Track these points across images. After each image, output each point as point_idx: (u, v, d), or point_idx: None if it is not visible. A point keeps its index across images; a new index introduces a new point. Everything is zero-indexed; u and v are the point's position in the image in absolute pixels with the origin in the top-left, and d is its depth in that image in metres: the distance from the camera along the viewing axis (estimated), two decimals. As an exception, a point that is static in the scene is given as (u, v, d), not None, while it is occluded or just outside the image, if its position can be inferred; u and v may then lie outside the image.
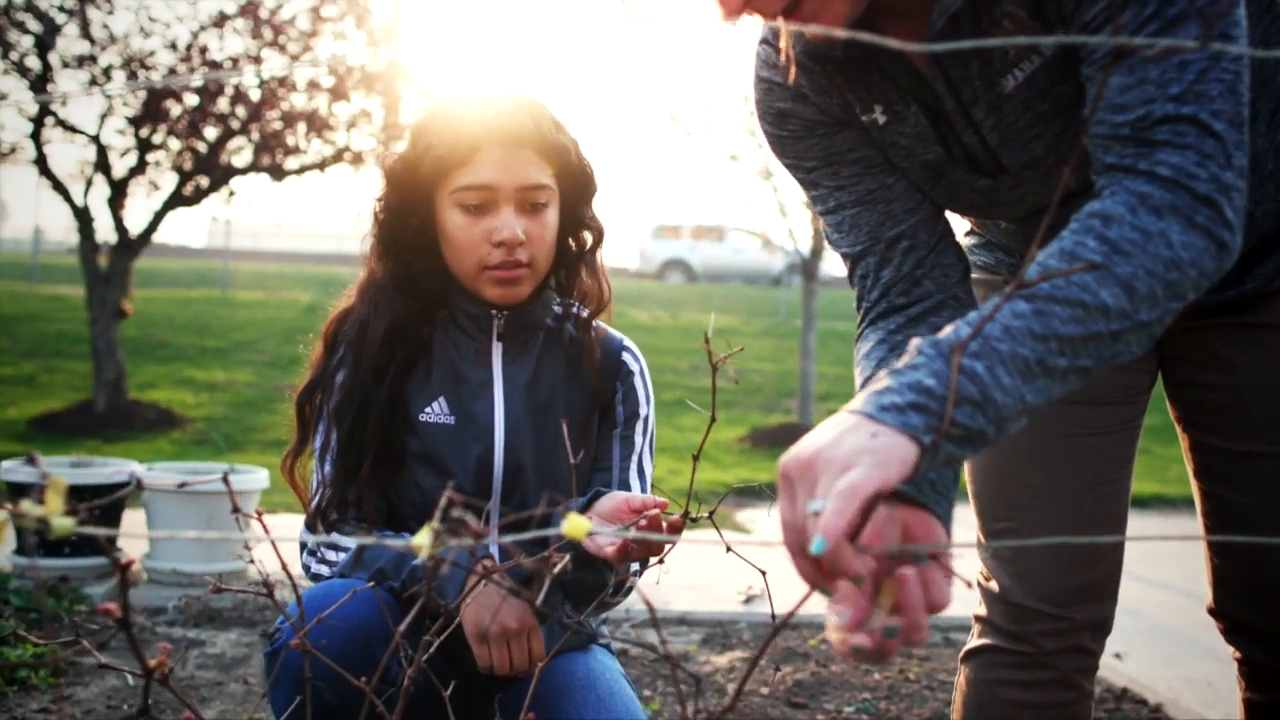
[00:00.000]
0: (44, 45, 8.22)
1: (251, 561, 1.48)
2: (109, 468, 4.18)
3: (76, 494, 3.96)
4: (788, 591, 4.18)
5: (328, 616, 1.67)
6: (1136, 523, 6.44)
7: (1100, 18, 1.21)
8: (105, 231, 8.92)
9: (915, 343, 1.08)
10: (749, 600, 4.44)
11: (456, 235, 1.86)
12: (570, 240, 1.99)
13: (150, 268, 18.06)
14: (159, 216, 8.87)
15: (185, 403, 9.81)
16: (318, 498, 1.91)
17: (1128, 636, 3.89)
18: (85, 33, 8.36)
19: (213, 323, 14.24)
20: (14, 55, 8.30)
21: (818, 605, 3.70)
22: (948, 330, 1.09)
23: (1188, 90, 1.14)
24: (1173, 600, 4.84)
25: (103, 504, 0.83)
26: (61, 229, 7.88)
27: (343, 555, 1.87)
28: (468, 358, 1.93)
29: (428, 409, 1.91)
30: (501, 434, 1.91)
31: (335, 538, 1.88)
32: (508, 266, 1.85)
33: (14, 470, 4.02)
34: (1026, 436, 1.70)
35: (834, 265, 19.01)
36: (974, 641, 1.80)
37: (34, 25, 8.24)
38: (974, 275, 1.80)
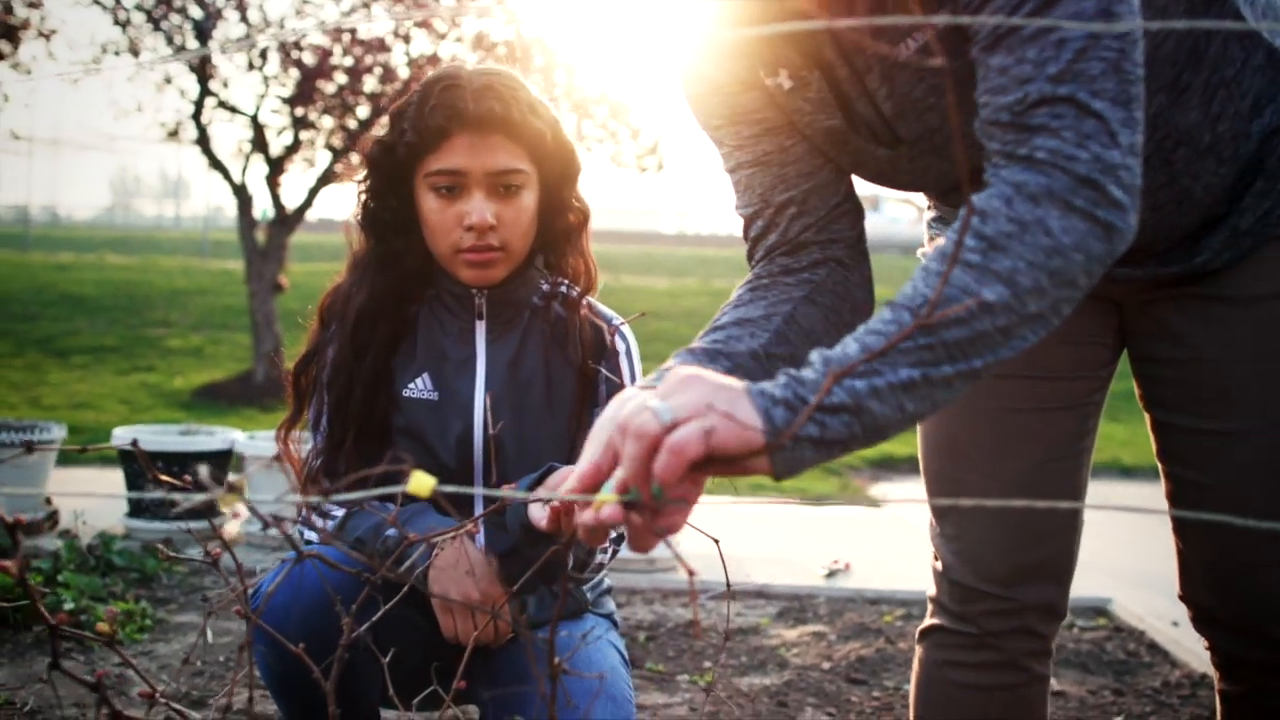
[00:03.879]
0: (203, 30, 8.58)
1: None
2: (214, 436, 4.40)
3: (181, 460, 4.18)
4: (869, 567, 4.20)
5: (274, 586, 1.77)
6: None
7: None
8: (263, 208, 9.30)
9: (813, 355, 1.09)
10: (831, 574, 4.42)
11: (431, 219, 1.91)
12: (556, 221, 2.01)
13: (312, 242, 18.66)
14: (313, 193, 9.19)
15: (339, 373, 10.14)
16: (309, 466, 2.00)
17: (1219, 621, 3.73)
18: (243, 17, 8.70)
19: (375, 295, 14.65)
20: (176, 40, 8.70)
21: (895, 582, 3.64)
22: (839, 349, 1.09)
23: (1065, 70, 1.11)
24: None
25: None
26: (235, 206, 8.31)
27: (330, 522, 1.95)
28: (451, 335, 1.99)
29: (411, 384, 1.97)
30: (481, 410, 1.96)
31: (324, 505, 1.97)
32: (479, 250, 1.89)
33: (123, 437, 4.26)
34: (970, 412, 1.69)
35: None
36: (926, 621, 1.79)
37: (195, 11, 8.61)
38: (930, 248, 1.78)
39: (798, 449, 1.06)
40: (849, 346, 1.08)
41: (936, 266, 1.11)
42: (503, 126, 1.88)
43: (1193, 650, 3.57)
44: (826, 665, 3.39)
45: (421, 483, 1.08)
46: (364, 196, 1.98)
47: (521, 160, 1.90)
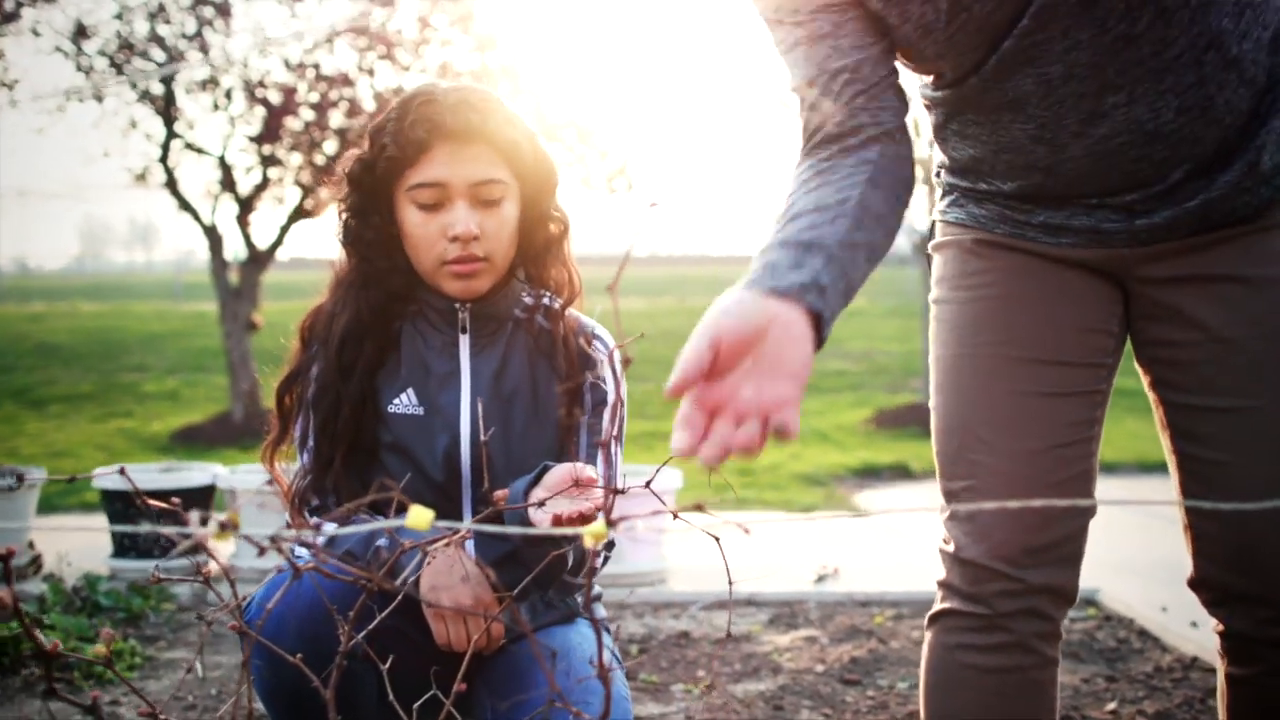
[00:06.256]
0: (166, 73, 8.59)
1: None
2: (194, 471, 4.39)
3: (163, 498, 4.15)
4: (857, 572, 4.19)
5: (275, 601, 1.77)
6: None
7: None
8: (234, 250, 9.31)
9: None
10: (820, 579, 4.44)
11: (414, 232, 1.92)
12: (537, 233, 2.03)
13: (287, 280, 18.65)
14: (284, 231, 9.20)
15: (318, 409, 10.12)
16: (297, 485, 2.00)
17: (1206, 605, 3.77)
18: (206, 58, 8.71)
19: (350, 331, 14.68)
20: (140, 85, 8.70)
21: (884, 584, 3.64)
22: None
23: None
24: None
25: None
26: (206, 247, 8.34)
27: (321, 539, 1.95)
28: (435, 350, 1.99)
29: (396, 400, 1.97)
30: (467, 424, 1.96)
31: (314, 521, 1.97)
32: (464, 261, 1.91)
33: (105, 478, 4.24)
34: (984, 394, 1.70)
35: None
36: (936, 606, 1.78)
37: (157, 54, 8.62)
38: (942, 238, 1.78)
39: None
40: None
41: None
42: (482, 136, 1.90)
43: (1182, 635, 3.59)
44: (820, 668, 3.39)
45: (420, 516, 1.08)
46: (345, 215, 1.99)
47: (502, 170, 1.92)
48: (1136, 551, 4.83)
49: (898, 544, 5.15)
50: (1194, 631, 3.62)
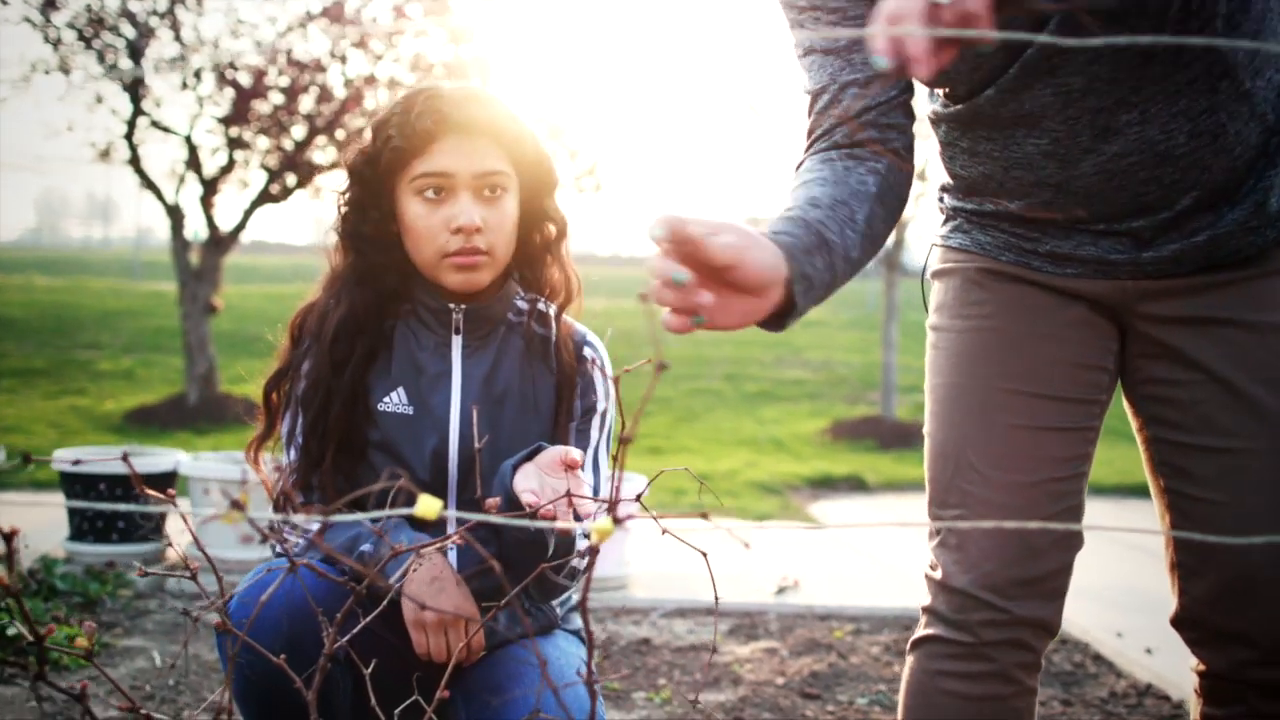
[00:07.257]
0: (136, 49, 8.49)
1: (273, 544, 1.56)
2: (157, 457, 4.35)
3: (125, 482, 4.12)
4: (816, 584, 4.20)
5: (268, 595, 1.76)
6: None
7: None
8: (194, 228, 9.22)
9: None
10: (781, 591, 4.45)
11: (416, 224, 1.92)
12: (534, 234, 2.03)
13: (247, 264, 18.54)
14: (248, 214, 9.12)
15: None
16: (283, 481, 1.99)
17: (1159, 634, 3.81)
18: (177, 36, 8.62)
19: (308, 317, 14.57)
20: (108, 60, 8.59)
21: (844, 598, 3.65)
22: None
23: None
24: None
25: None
26: (167, 227, 8.26)
27: (304, 537, 1.94)
28: (427, 350, 1.99)
29: (386, 398, 1.97)
30: (456, 425, 1.96)
31: (298, 519, 1.96)
32: (466, 253, 1.91)
33: (65, 459, 4.19)
34: (980, 424, 1.71)
35: (917, 256, 18.74)
36: (919, 631, 1.79)
37: (127, 30, 8.52)
38: (942, 265, 1.79)
39: None
40: None
41: None
42: (488, 129, 1.91)
43: (1137, 661, 3.63)
44: (780, 681, 3.41)
45: (428, 506, 1.08)
46: (344, 209, 1.99)
47: (505, 164, 1.93)
48: (1093, 577, 4.86)
49: (856, 558, 5.17)
50: (1148, 658, 3.67)
